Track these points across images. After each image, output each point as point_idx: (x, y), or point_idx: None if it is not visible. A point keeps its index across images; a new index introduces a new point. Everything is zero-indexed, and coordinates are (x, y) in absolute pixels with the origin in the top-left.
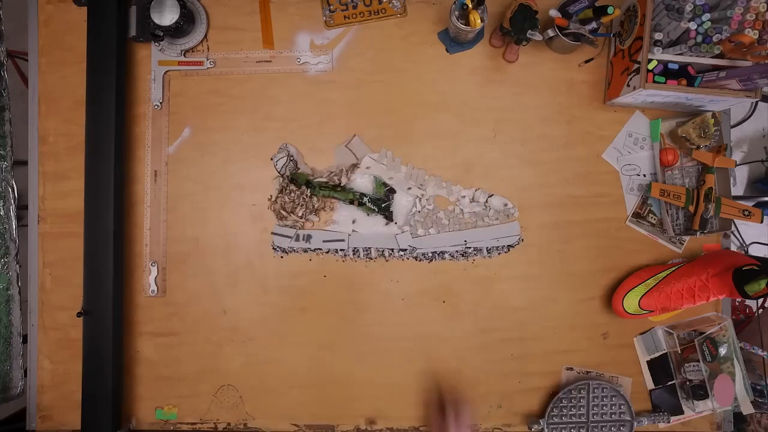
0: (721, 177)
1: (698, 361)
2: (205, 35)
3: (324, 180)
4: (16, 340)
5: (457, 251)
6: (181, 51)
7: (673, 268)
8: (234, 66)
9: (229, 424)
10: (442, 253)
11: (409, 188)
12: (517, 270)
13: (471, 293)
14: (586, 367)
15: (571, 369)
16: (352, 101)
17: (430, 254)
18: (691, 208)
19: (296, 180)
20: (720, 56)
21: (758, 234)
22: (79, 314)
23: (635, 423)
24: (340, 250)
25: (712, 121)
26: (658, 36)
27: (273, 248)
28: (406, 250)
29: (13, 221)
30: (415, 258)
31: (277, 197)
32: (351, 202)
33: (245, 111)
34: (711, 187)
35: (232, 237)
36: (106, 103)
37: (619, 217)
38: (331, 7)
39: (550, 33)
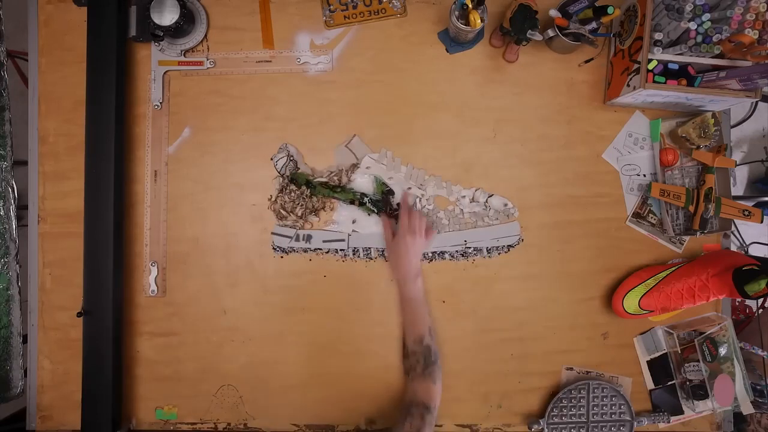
0: (721, 177)
1: (698, 361)
2: (205, 35)
3: (324, 180)
4: (16, 340)
5: (457, 251)
6: (181, 51)
7: (673, 268)
8: (234, 66)
9: (229, 424)
10: (442, 253)
11: (409, 188)
12: (517, 270)
13: (471, 293)
14: (586, 367)
15: (571, 369)
16: (352, 101)
17: (430, 254)
18: (691, 208)
19: (296, 180)
20: (720, 56)
21: (758, 234)
22: (79, 314)
23: (635, 423)
24: (340, 250)
25: (712, 121)
26: (658, 36)
27: (273, 248)
28: None
29: (13, 221)
30: None
31: (277, 197)
32: (351, 202)
33: (245, 111)
34: (711, 187)
35: (232, 237)
36: (106, 103)
37: (619, 217)
38: (331, 7)
39: (550, 33)
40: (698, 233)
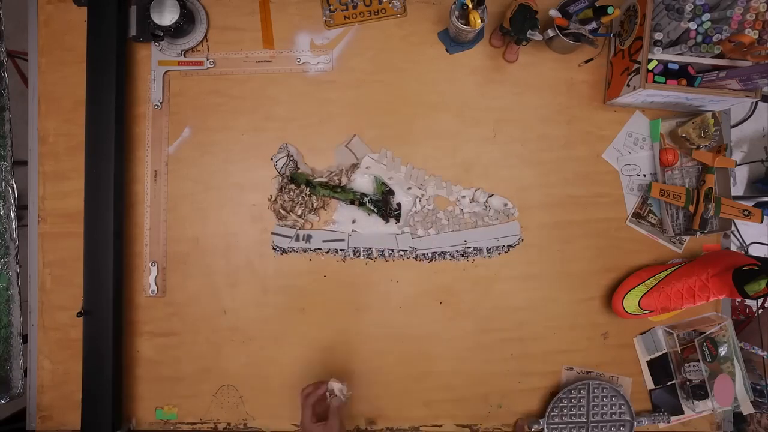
0: (721, 177)
1: (698, 361)
2: (205, 35)
3: (324, 180)
4: (16, 340)
5: (457, 251)
6: (181, 51)
7: (673, 268)
8: (234, 66)
9: (229, 424)
10: (442, 253)
11: (409, 188)
12: (517, 270)
13: (471, 293)
14: (586, 367)
15: (571, 369)
16: (352, 101)
17: (430, 254)
18: (691, 208)
19: (296, 180)
20: (720, 56)
21: (758, 234)
22: (79, 314)
23: (635, 423)
24: (340, 250)
25: (712, 121)
26: (658, 36)
27: (273, 248)
28: (406, 250)
29: (13, 221)
30: (415, 258)
31: (277, 197)
32: (351, 202)
33: (245, 111)
34: (711, 187)
35: (232, 237)
36: (106, 103)
37: (619, 217)
38: (331, 7)
39: (550, 33)
40: (698, 233)
